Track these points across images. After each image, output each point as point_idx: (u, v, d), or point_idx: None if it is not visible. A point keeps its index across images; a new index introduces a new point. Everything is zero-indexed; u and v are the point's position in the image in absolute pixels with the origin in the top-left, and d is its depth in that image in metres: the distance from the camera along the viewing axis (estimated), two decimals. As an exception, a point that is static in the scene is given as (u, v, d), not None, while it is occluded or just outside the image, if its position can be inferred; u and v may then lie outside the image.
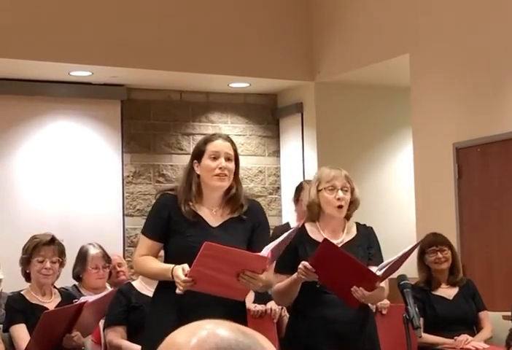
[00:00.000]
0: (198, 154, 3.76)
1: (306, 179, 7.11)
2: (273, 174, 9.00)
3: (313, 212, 4.12)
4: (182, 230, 3.67)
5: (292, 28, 8.40)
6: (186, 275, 3.45)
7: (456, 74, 7.01)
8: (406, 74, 7.49)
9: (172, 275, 3.52)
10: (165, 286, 3.63)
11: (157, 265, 3.68)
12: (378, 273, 3.84)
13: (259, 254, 3.52)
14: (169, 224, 3.70)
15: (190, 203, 3.70)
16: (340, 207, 4.05)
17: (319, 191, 4.08)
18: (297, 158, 8.73)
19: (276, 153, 9.03)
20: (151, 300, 3.90)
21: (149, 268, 3.71)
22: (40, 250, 4.77)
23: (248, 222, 3.74)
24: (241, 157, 9.81)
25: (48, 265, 4.77)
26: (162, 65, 7.85)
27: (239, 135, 8.88)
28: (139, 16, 7.77)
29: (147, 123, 8.52)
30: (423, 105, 7.32)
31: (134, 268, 4.10)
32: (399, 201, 8.39)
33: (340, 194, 4.05)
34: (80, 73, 7.87)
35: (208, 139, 3.79)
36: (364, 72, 8.02)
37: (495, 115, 6.64)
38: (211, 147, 3.73)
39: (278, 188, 8.88)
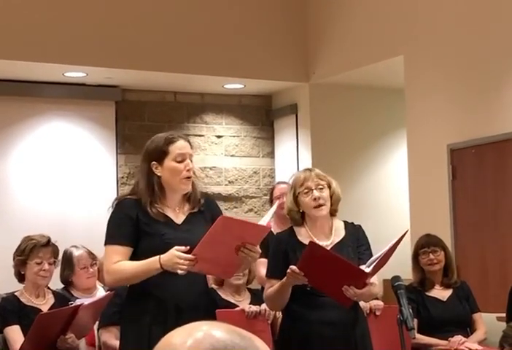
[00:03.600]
0: (158, 156, 3.66)
1: (282, 180, 7.13)
2: (268, 175, 9.00)
3: (295, 217, 4.14)
4: (155, 230, 3.62)
5: (286, 30, 8.40)
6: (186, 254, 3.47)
7: (450, 76, 7.02)
8: (400, 76, 7.50)
9: (161, 264, 3.48)
10: (138, 293, 3.63)
11: (139, 262, 3.56)
12: (367, 270, 3.85)
13: (262, 224, 3.67)
14: (138, 226, 3.62)
15: (156, 205, 3.65)
16: (318, 206, 4.05)
17: (296, 197, 4.10)
18: (292, 159, 8.73)
19: (271, 154, 9.04)
20: (124, 308, 3.82)
21: (130, 269, 3.57)
22: (38, 252, 4.76)
23: (207, 214, 3.75)
24: (235, 159, 9.83)
25: (46, 266, 4.77)
26: (156, 67, 7.86)
27: (234, 136, 8.89)
28: (134, 17, 7.77)
29: (142, 124, 8.51)
30: (417, 106, 7.33)
31: (110, 279, 3.65)
32: (393, 202, 8.40)
33: (316, 193, 4.04)
34: (74, 74, 7.86)
35: (169, 140, 3.67)
36: (358, 74, 8.02)
37: (489, 116, 6.65)
38: (176, 149, 3.65)
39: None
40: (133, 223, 3.62)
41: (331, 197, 4.09)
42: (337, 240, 4.10)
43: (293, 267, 3.86)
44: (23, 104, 8.00)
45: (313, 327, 3.98)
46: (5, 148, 7.94)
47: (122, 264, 3.58)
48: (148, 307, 3.59)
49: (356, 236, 4.14)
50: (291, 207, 4.11)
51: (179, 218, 3.70)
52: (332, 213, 4.15)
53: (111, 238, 3.67)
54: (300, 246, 4.02)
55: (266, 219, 3.70)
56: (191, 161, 3.70)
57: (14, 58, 7.33)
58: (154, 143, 3.71)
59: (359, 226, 4.22)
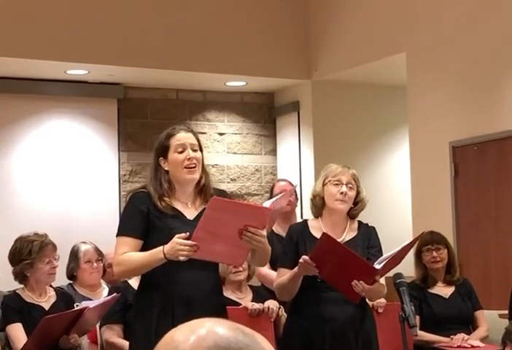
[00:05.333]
0: (162, 151, 3.74)
1: (282, 178, 7.14)
2: (270, 173, 9.00)
3: (317, 205, 4.17)
4: (164, 224, 3.65)
5: (288, 27, 8.40)
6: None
7: (452, 73, 7.02)
8: (403, 73, 7.50)
9: (164, 254, 3.50)
10: (147, 287, 3.64)
11: (144, 253, 3.61)
12: (378, 267, 3.86)
13: (264, 205, 3.63)
14: (149, 219, 3.67)
15: (165, 199, 3.69)
16: (339, 200, 4.08)
17: (324, 185, 4.13)
18: (294, 157, 8.73)
19: (273, 152, 9.04)
20: (134, 303, 3.85)
21: (135, 260, 3.62)
22: (45, 251, 4.77)
23: None
24: (237, 156, 9.80)
25: (55, 263, 4.80)
26: (158, 64, 7.85)
27: (236, 133, 8.89)
28: (136, 14, 7.76)
29: (144, 122, 8.51)
30: (419, 104, 7.33)
31: (118, 270, 3.70)
32: (395, 200, 8.40)
33: (344, 188, 4.09)
34: (77, 71, 7.86)
35: (170, 134, 3.76)
36: (360, 71, 8.02)
37: (491, 114, 6.64)
38: (175, 141, 3.72)
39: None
40: (144, 216, 3.66)
41: (357, 202, 4.15)
42: (348, 238, 4.14)
43: (305, 257, 3.89)
44: (25, 102, 8.00)
45: (317, 322, 3.99)
46: (7, 145, 7.94)
47: (128, 255, 3.63)
48: (155, 300, 3.61)
49: (368, 236, 4.17)
50: (319, 191, 4.14)
51: (191, 213, 3.72)
52: (352, 216, 4.21)
53: (121, 230, 3.73)
54: (311, 239, 4.06)
55: (270, 201, 3.67)
56: (196, 150, 3.73)
57: (17, 56, 7.33)
58: (159, 139, 3.82)
59: (373, 227, 4.24)
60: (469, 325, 5.41)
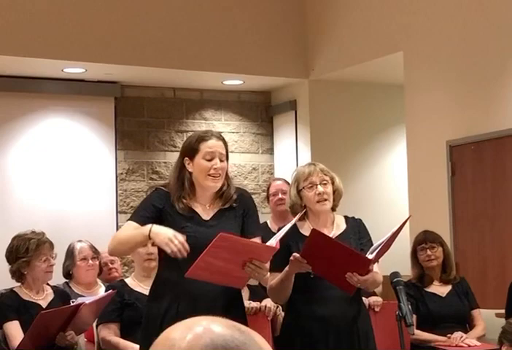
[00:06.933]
0: (190, 152, 3.77)
1: (278, 176, 7.14)
2: (267, 172, 9.00)
3: (297, 212, 4.16)
4: (177, 223, 3.68)
5: (286, 26, 8.40)
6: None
7: (449, 72, 7.02)
8: (400, 72, 7.50)
9: (150, 231, 3.53)
10: (162, 282, 3.65)
11: (135, 229, 3.66)
12: (370, 257, 3.88)
13: (268, 244, 3.64)
14: (161, 216, 3.71)
15: (184, 200, 3.73)
16: (321, 201, 4.08)
17: (299, 191, 4.13)
18: (291, 156, 8.73)
19: (270, 150, 9.04)
20: (148, 297, 3.91)
21: (123, 234, 3.71)
22: (42, 249, 4.77)
23: (238, 209, 3.81)
24: (234, 155, 9.81)
25: (52, 261, 4.81)
26: (156, 63, 7.85)
27: (233, 132, 8.88)
28: (133, 13, 7.76)
29: (141, 120, 8.51)
30: (417, 102, 7.33)
31: (110, 245, 3.73)
32: (392, 198, 8.40)
33: (320, 189, 4.08)
34: (74, 70, 7.85)
35: (202, 138, 3.78)
36: (358, 70, 8.02)
37: (489, 113, 6.65)
38: (206, 147, 3.74)
39: (272, 185, 8.86)
40: (157, 211, 3.72)
41: (334, 192, 4.13)
42: (338, 233, 4.14)
43: (296, 254, 3.89)
44: (22, 100, 7.99)
45: (316, 321, 3.99)
46: (4, 144, 7.93)
47: (120, 230, 3.79)
48: (165, 294, 3.65)
49: (357, 229, 4.18)
50: (295, 201, 4.14)
51: (207, 214, 3.77)
52: (333, 208, 4.20)
53: (133, 216, 3.82)
54: (302, 239, 4.05)
55: (278, 237, 3.69)
56: (223, 160, 3.76)
57: (14, 54, 7.32)
58: (189, 139, 3.87)
59: (360, 220, 4.26)
60: (466, 324, 5.41)
